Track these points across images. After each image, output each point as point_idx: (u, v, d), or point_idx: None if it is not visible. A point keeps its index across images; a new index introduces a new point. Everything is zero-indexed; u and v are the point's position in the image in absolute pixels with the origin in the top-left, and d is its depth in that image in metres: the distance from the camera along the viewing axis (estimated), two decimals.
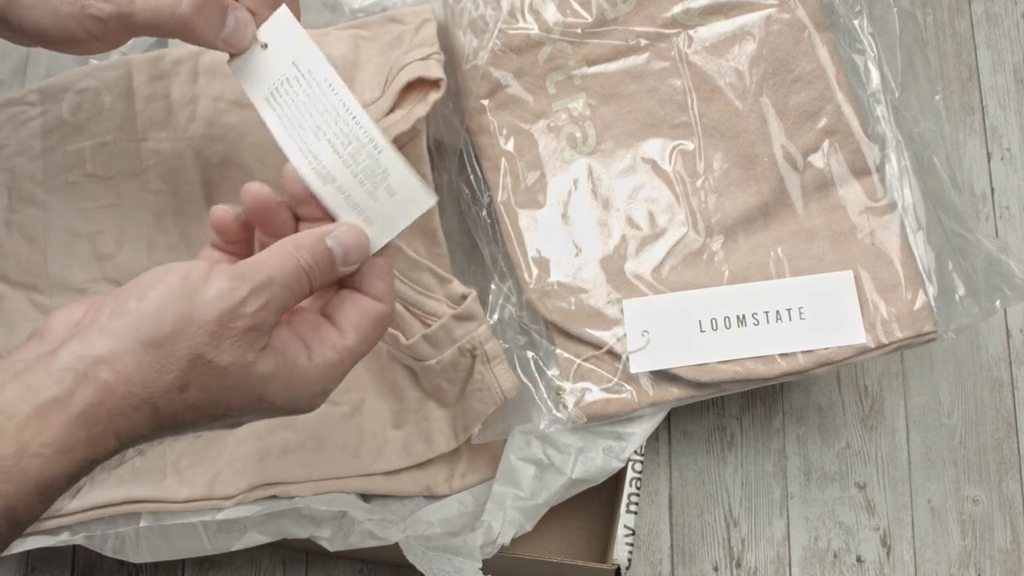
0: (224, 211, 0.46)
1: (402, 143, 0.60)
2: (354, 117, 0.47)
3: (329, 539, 0.57)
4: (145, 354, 0.39)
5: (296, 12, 0.52)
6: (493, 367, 0.57)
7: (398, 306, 0.59)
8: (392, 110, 0.60)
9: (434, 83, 0.59)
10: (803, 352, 0.57)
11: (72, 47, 0.51)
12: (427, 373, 0.58)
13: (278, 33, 0.50)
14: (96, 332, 0.39)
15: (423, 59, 0.60)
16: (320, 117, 0.48)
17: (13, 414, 0.36)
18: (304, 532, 0.57)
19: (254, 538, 0.58)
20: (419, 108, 0.59)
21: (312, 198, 0.47)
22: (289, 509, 0.57)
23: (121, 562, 0.67)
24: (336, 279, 0.45)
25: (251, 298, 0.40)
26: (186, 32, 0.49)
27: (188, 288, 0.40)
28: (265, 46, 0.50)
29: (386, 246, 0.46)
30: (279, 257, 0.43)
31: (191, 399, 0.40)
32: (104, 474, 0.59)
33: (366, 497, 0.61)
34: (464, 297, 0.58)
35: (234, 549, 0.58)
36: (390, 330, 0.59)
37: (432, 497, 0.61)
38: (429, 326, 0.58)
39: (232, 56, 0.51)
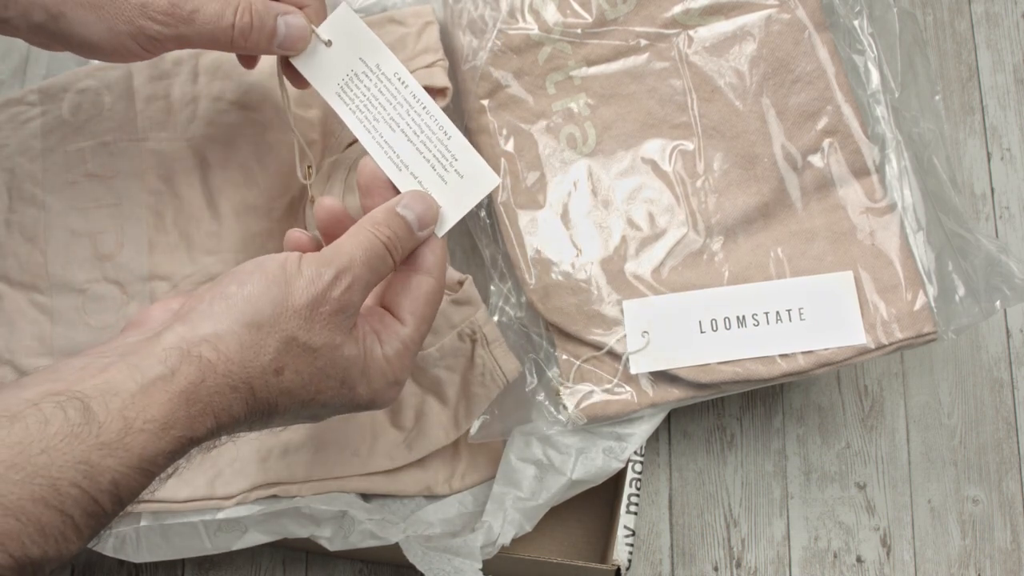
0: (300, 234, 0.49)
1: None
2: (424, 107, 0.51)
3: (329, 539, 0.57)
4: (246, 335, 0.41)
5: (323, 12, 0.54)
6: (493, 350, 0.58)
7: None
8: None
9: (440, 91, 0.60)
10: (803, 353, 0.57)
11: (122, 58, 0.53)
12: (426, 364, 0.58)
13: (341, 30, 0.53)
14: (199, 316, 0.41)
15: (428, 66, 0.60)
16: (393, 109, 0.51)
17: (118, 392, 0.38)
18: (304, 532, 0.57)
19: (254, 537, 0.58)
20: None
21: (381, 189, 0.50)
22: (289, 508, 0.57)
23: (121, 562, 0.67)
24: (415, 246, 0.47)
25: (336, 281, 0.43)
26: (241, 47, 0.52)
27: (285, 275, 0.42)
28: (329, 43, 0.53)
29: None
30: (358, 237, 0.45)
31: (286, 382, 0.42)
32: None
33: (366, 497, 0.61)
34: (460, 283, 0.58)
35: (234, 548, 0.58)
36: None
37: (432, 497, 0.61)
38: None
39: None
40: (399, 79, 0.52)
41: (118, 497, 0.38)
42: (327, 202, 0.48)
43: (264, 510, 0.57)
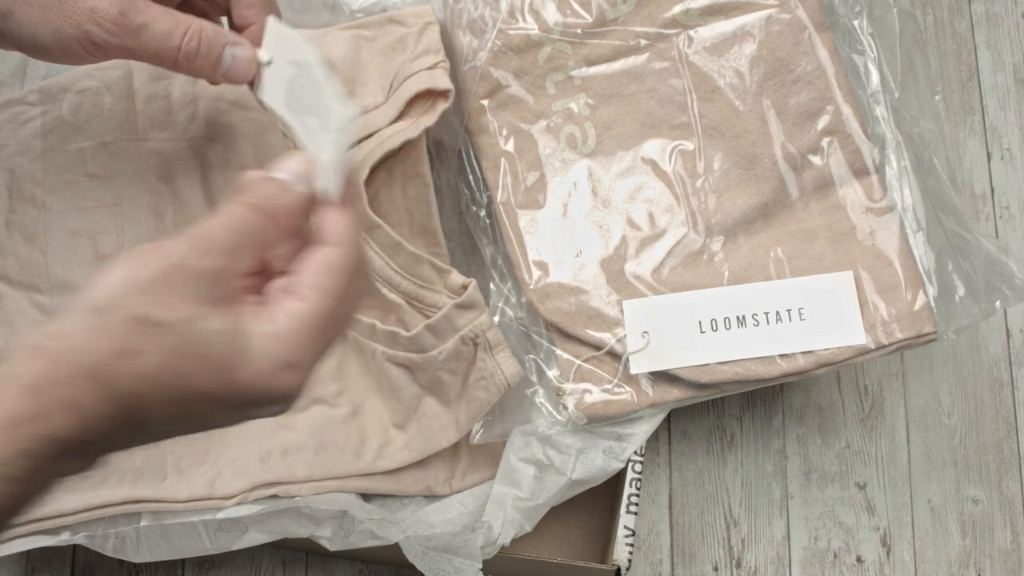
0: None
1: (406, 148, 0.61)
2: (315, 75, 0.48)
3: (329, 538, 0.57)
4: (93, 319, 0.37)
5: (274, 7, 0.54)
6: (496, 355, 0.57)
7: (399, 300, 0.59)
8: (399, 118, 0.61)
9: (442, 93, 0.60)
10: (803, 353, 0.57)
11: (69, 60, 0.52)
12: (428, 366, 0.58)
13: (274, 45, 0.51)
14: (60, 311, 0.39)
15: (430, 68, 0.60)
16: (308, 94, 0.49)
17: None
18: (305, 531, 0.57)
19: (255, 537, 0.58)
20: (427, 118, 0.61)
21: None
22: (290, 508, 0.57)
23: (121, 562, 0.67)
24: (297, 208, 0.43)
25: (192, 249, 0.39)
26: (185, 69, 0.52)
27: (143, 254, 0.39)
28: (269, 63, 0.52)
29: (347, 191, 0.44)
30: (223, 207, 0.41)
31: (141, 365, 0.37)
32: (102, 474, 0.59)
33: (366, 497, 0.61)
34: (464, 287, 0.58)
35: (235, 548, 0.58)
36: (387, 327, 0.59)
37: (432, 497, 0.61)
38: (430, 318, 0.58)
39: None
40: (311, 67, 0.49)
41: None
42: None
43: (264, 510, 0.57)
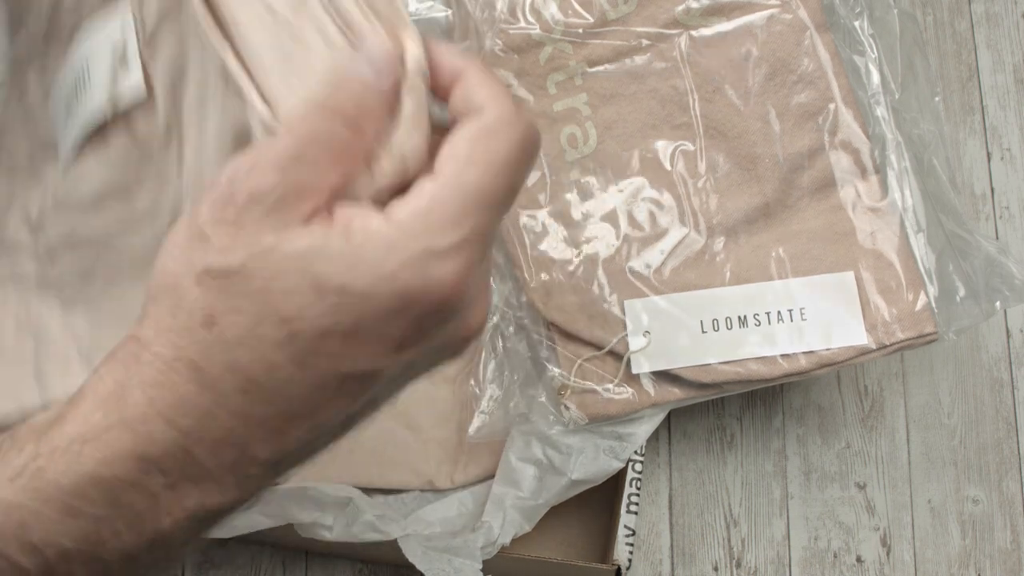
0: None
1: None
2: None
3: (331, 527, 0.57)
4: (162, 297, 0.28)
5: None
6: None
7: None
8: None
9: None
10: (804, 353, 0.57)
11: None
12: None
13: None
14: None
15: None
16: None
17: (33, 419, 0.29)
18: (308, 517, 0.56)
19: (257, 520, 0.57)
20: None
21: None
22: (295, 489, 0.56)
23: None
24: (387, 93, 0.30)
25: (247, 169, 0.28)
26: None
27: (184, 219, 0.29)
28: None
29: (428, 50, 0.32)
30: (289, 120, 0.30)
31: (228, 331, 0.27)
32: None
33: (367, 493, 0.61)
34: None
35: (236, 525, 0.56)
36: None
37: (434, 491, 0.61)
38: None
39: None
40: None
41: (35, 548, 0.27)
42: None
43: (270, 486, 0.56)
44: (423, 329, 0.28)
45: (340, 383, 0.28)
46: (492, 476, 0.62)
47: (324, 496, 0.56)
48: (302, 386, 0.28)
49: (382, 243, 0.27)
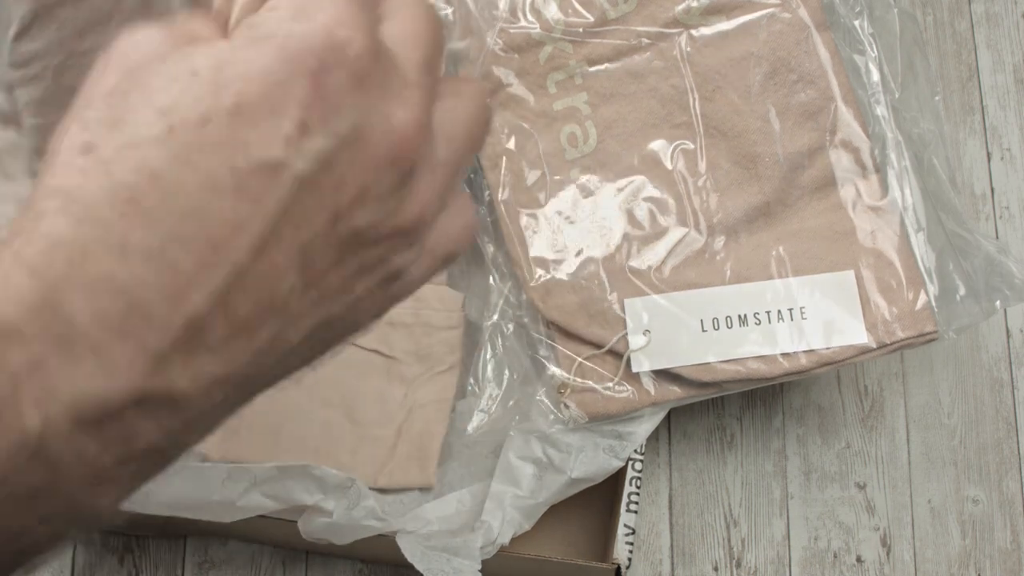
0: None
1: None
2: None
3: (332, 510, 0.56)
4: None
5: None
6: None
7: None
8: None
9: None
10: (805, 352, 0.57)
11: None
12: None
13: None
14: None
15: None
16: None
17: None
18: (310, 498, 0.55)
19: (258, 501, 0.55)
20: None
21: None
22: (297, 466, 0.55)
23: (121, 561, 0.67)
24: None
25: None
26: None
27: None
28: None
29: None
30: None
31: (105, 149, 0.22)
32: None
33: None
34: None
35: (238, 505, 0.55)
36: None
37: (427, 490, 0.61)
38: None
39: None
40: None
41: (47, 460, 0.20)
42: None
43: (274, 463, 0.55)
44: (328, 99, 0.22)
45: (237, 182, 0.22)
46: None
47: (327, 476, 0.55)
48: (191, 195, 0.21)
49: (266, 14, 0.23)
